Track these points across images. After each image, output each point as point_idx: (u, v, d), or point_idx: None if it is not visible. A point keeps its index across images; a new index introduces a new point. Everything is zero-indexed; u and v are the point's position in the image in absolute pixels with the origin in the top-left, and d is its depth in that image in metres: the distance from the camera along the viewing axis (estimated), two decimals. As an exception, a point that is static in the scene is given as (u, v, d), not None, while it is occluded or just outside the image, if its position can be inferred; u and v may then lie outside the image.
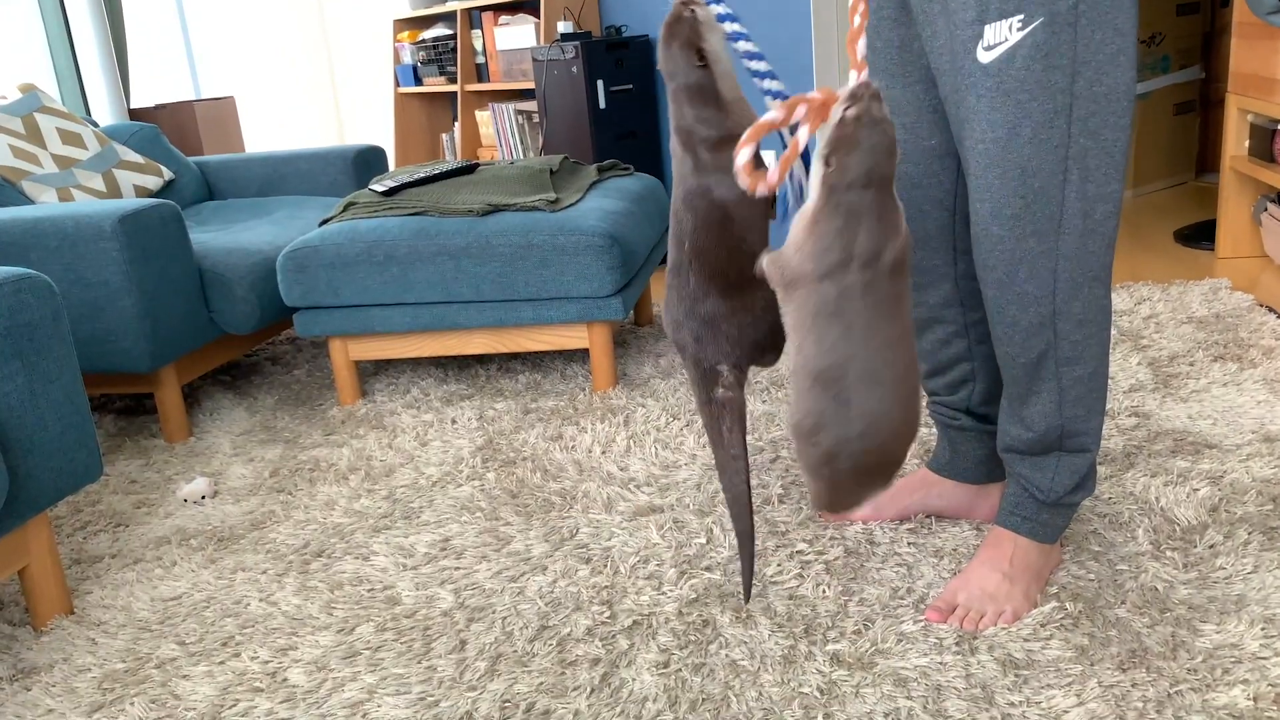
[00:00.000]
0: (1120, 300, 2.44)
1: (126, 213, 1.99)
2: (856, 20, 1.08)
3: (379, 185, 2.34)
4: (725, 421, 1.26)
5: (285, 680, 1.27)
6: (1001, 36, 1.07)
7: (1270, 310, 2.27)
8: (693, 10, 1.15)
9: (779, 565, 1.42)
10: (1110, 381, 1.95)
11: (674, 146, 1.23)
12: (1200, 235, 3.01)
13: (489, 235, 2.09)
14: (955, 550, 1.41)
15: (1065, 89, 1.07)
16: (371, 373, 2.47)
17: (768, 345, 1.26)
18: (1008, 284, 1.16)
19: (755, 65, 1.15)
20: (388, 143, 4.42)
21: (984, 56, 1.08)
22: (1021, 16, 1.05)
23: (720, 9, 1.16)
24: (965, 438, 1.44)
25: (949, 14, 1.11)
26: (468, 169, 2.41)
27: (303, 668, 1.29)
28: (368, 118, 4.94)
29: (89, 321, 2.02)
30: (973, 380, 1.40)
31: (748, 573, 1.33)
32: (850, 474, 1.11)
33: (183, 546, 1.67)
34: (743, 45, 1.15)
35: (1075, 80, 1.07)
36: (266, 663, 1.32)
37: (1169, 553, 1.34)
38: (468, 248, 2.09)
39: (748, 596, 1.33)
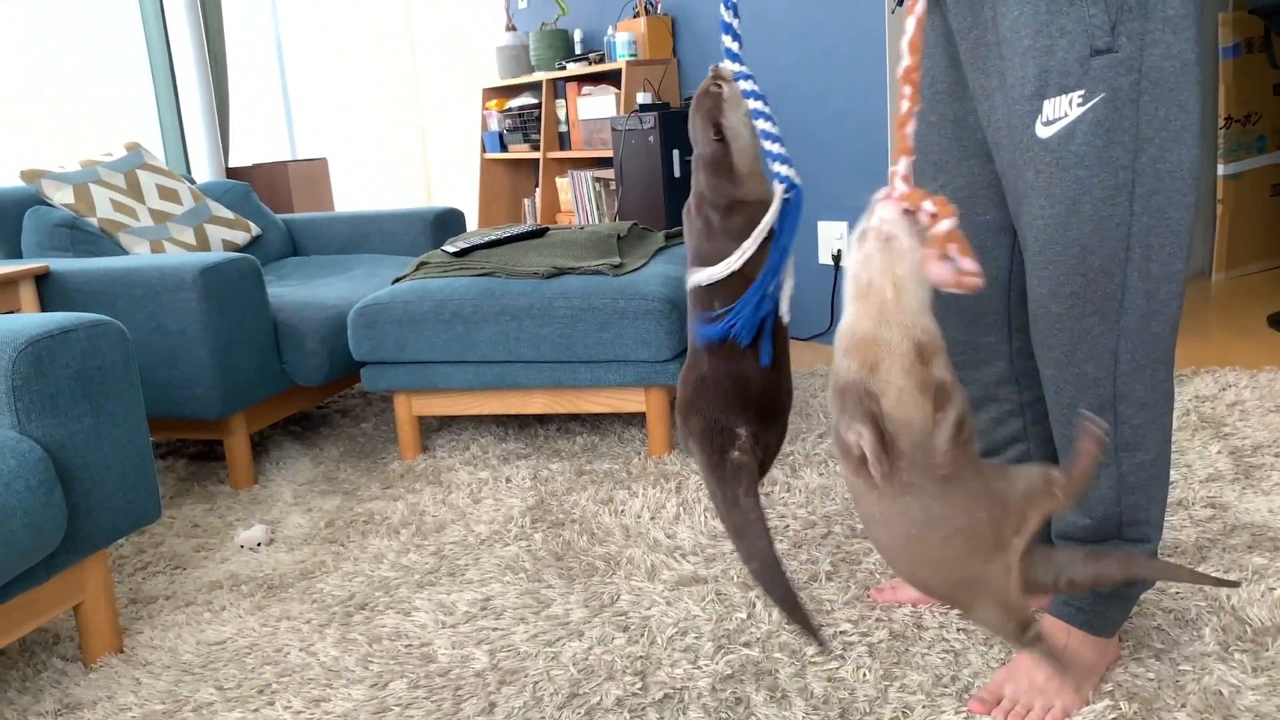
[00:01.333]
0: (1204, 386, 2.34)
1: (207, 265, 2.07)
2: (904, 105, 1.06)
3: (451, 246, 2.40)
4: (741, 485, 1.21)
5: (314, 732, 1.28)
6: (1061, 112, 1.05)
7: (1367, 401, 2.15)
8: (720, 86, 1.19)
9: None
10: (1188, 470, 1.86)
11: (689, 211, 1.25)
12: (1296, 320, 2.88)
13: (551, 297, 2.11)
14: (1005, 640, 1.35)
15: (1128, 165, 1.04)
16: (435, 429, 2.50)
17: (775, 410, 1.24)
18: (1066, 364, 1.12)
19: (771, 146, 1.17)
20: (473, 206, 4.55)
21: (1043, 132, 1.06)
22: (1082, 92, 1.03)
23: (748, 85, 1.18)
24: (1020, 522, 1.38)
25: (1006, 89, 1.09)
26: (538, 233, 2.46)
27: (332, 720, 1.30)
28: (455, 181, 5.09)
29: (166, 368, 2.10)
30: (1029, 460, 1.35)
31: (807, 628, 1.24)
32: None
33: (234, 592, 1.70)
34: (763, 124, 1.17)
35: (1138, 157, 1.04)
36: (299, 713, 1.32)
37: (1237, 655, 1.26)
38: (530, 308, 2.12)
39: (819, 641, 1.19)
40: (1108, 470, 1.16)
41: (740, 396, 1.22)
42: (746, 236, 1.20)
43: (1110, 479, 1.16)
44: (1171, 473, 1.84)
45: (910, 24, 0.97)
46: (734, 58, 1.20)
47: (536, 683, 1.35)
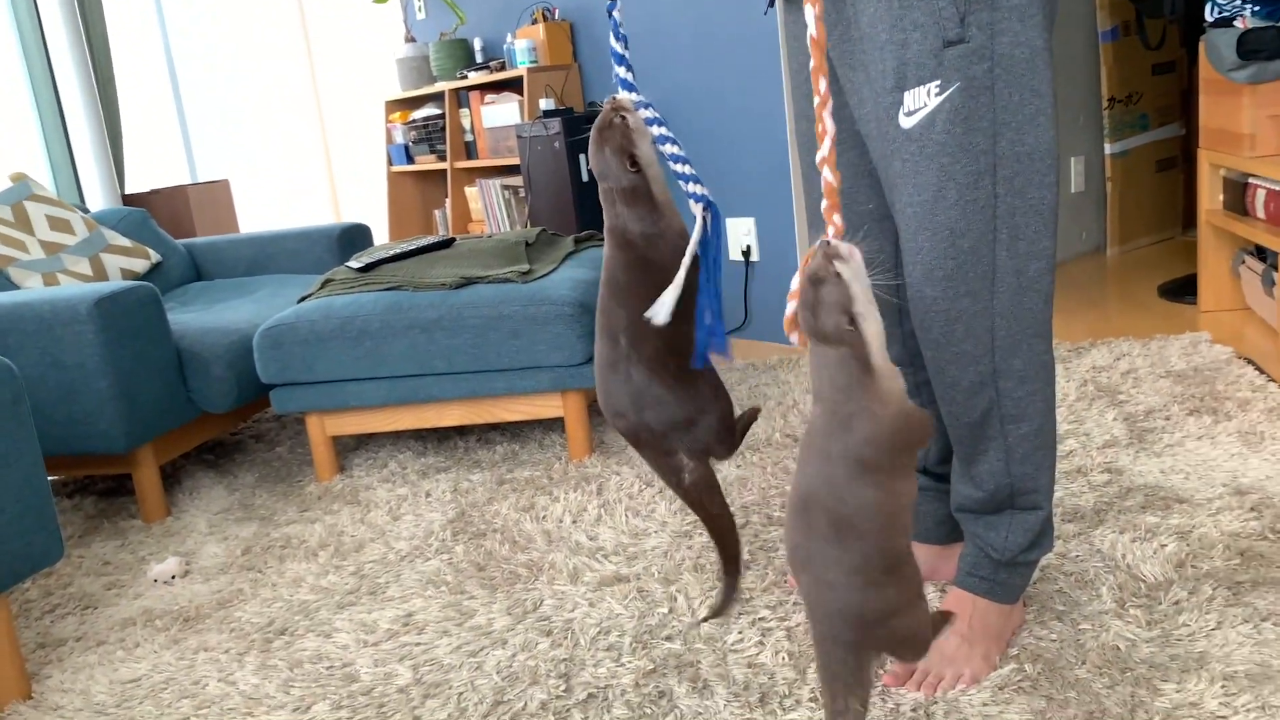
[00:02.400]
0: (1100, 356, 2.43)
1: (103, 295, 2.02)
2: (823, 85, 1.04)
3: (356, 262, 2.37)
4: (703, 494, 1.31)
5: (234, 763, 1.25)
6: (921, 102, 1.09)
7: (1249, 362, 2.26)
8: (623, 117, 1.19)
9: (740, 633, 1.40)
10: (1085, 438, 1.93)
11: (607, 245, 1.26)
12: (1184, 290, 3.02)
13: (460, 307, 2.11)
14: (918, 613, 1.39)
15: (987, 150, 1.09)
16: (353, 448, 2.47)
17: (718, 433, 1.29)
18: (945, 344, 1.16)
19: (680, 169, 1.19)
20: (382, 220, 4.49)
21: (905, 122, 1.10)
22: (939, 83, 1.08)
23: (649, 113, 1.20)
24: (924, 498, 1.43)
25: (871, 82, 1.13)
26: (444, 244, 2.45)
27: (253, 749, 1.28)
28: (362, 196, 5.03)
29: (65, 404, 2.03)
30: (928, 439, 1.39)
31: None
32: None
33: (147, 627, 1.66)
34: (669, 149, 1.19)
35: (997, 141, 1.09)
36: (218, 745, 1.30)
37: (1133, 610, 1.32)
38: (440, 320, 2.11)
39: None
40: (995, 443, 1.20)
41: (672, 405, 1.27)
42: (677, 261, 1.22)
43: (999, 452, 1.21)
44: (1070, 441, 1.92)
45: (810, 21, 0.97)
46: (629, 87, 1.21)
47: (461, 693, 1.34)
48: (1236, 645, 1.22)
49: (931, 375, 1.20)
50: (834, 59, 1.18)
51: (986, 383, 1.17)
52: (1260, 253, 2.59)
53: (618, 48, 1.21)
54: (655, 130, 1.19)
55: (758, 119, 2.95)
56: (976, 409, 1.18)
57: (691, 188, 1.19)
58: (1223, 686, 1.14)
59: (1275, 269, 2.43)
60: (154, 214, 3.77)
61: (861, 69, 1.13)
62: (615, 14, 1.24)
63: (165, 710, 1.40)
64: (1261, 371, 2.19)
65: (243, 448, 2.62)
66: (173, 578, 1.84)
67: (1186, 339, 2.48)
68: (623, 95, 1.21)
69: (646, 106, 1.20)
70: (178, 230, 3.77)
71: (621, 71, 1.20)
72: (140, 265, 2.81)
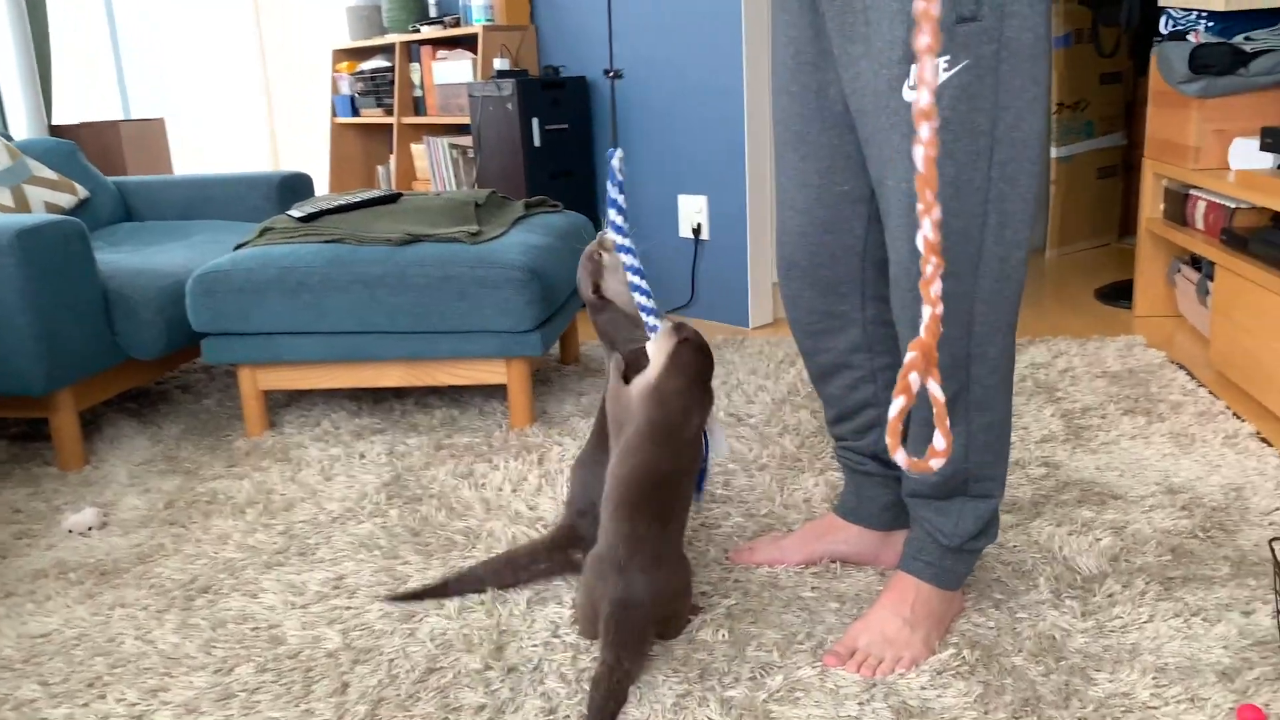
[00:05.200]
0: (1039, 354, 2.47)
1: (25, 228, 1.91)
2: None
3: (298, 211, 2.29)
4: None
5: (151, 723, 1.20)
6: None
7: (1180, 367, 2.32)
8: (599, 255, 1.45)
9: (680, 609, 1.38)
10: (1023, 431, 1.96)
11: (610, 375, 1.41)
12: (1119, 294, 3.08)
13: (406, 265, 2.05)
14: (858, 595, 1.39)
15: (987, 131, 1.07)
16: (284, 404, 2.40)
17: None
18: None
19: (642, 300, 1.38)
20: (323, 172, 4.36)
21: (909, 94, 1.08)
22: (948, 57, 1.06)
23: (626, 259, 1.40)
24: (871, 483, 1.43)
25: (873, 54, 1.11)
26: (390, 198, 2.38)
27: (171, 711, 1.22)
28: (303, 147, 4.88)
29: (-20, 340, 1.93)
30: (879, 426, 1.39)
31: None
32: None
33: (60, 580, 1.58)
34: (636, 282, 1.38)
35: (996, 124, 1.08)
36: (133, 705, 1.24)
37: (1068, 601, 1.34)
38: (384, 277, 2.04)
39: None
40: (957, 429, 1.20)
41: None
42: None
43: (960, 437, 1.21)
44: (1009, 434, 1.94)
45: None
46: (618, 229, 1.39)
47: (392, 659, 1.30)
48: (1167, 638, 1.24)
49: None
50: (832, 30, 1.16)
51: (959, 367, 1.16)
52: (1195, 263, 2.66)
53: (614, 193, 1.38)
54: (628, 264, 1.38)
55: (715, 95, 2.92)
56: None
57: (650, 320, 1.37)
58: (1154, 678, 1.16)
59: (1210, 279, 2.50)
60: (83, 148, 3.60)
61: (862, 41, 1.11)
62: (615, 162, 1.39)
63: (76, 668, 1.33)
64: (1192, 376, 2.24)
65: (168, 398, 2.52)
66: (89, 529, 1.76)
67: (1122, 341, 2.54)
68: (609, 235, 1.42)
69: (629, 252, 1.39)
70: (108, 168, 3.61)
71: (613, 214, 1.38)
72: (66, 200, 2.68)
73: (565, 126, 3.25)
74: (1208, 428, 1.93)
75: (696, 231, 3.07)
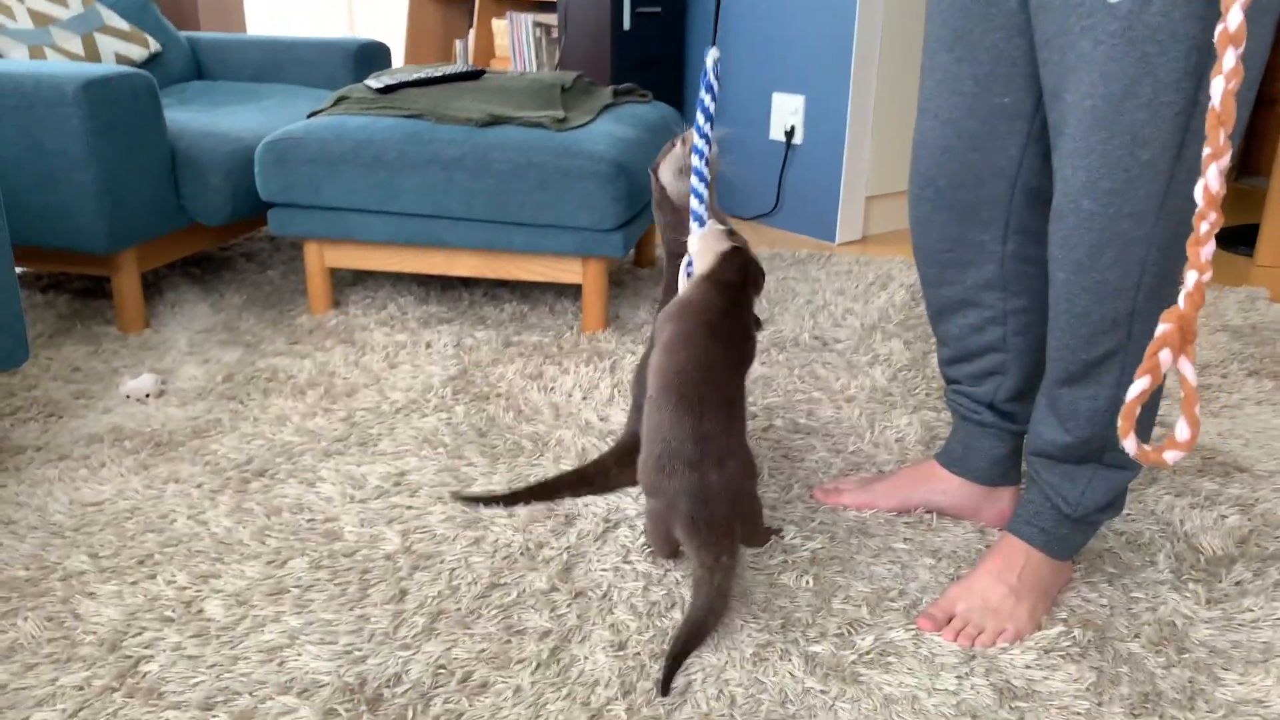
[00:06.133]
0: (1150, 299, 2.28)
1: (93, 78, 1.81)
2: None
3: (375, 81, 2.16)
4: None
5: (200, 612, 1.14)
6: None
7: (1309, 328, 2.13)
8: (673, 144, 1.45)
9: (761, 547, 1.29)
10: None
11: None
12: (1237, 239, 2.86)
13: (487, 148, 1.92)
14: (954, 553, 1.28)
15: (1202, 46, 0.90)
16: (350, 282, 2.31)
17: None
18: (1088, 269, 1.00)
19: (694, 204, 1.30)
20: (399, 42, 4.20)
21: None
22: None
23: (697, 157, 1.30)
24: (984, 434, 1.30)
25: None
26: (473, 75, 2.23)
27: (222, 600, 1.16)
28: (380, 15, 4.69)
29: (44, 193, 1.85)
30: (1003, 373, 1.25)
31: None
32: None
33: (115, 447, 1.53)
34: (696, 182, 1.30)
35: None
36: (183, 589, 1.18)
37: (1191, 585, 1.21)
38: (462, 159, 1.92)
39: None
40: (1106, 391, 1.06)
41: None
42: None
43: (1107, 401, 1.07)
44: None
45: None
46: (700, 132, 1.30)
47: (453, 569, 1.23)
48: (1305, 640, 1.12)
49: (1056, 303, 1.05)
50: None
51: (1121, 322, 1.02)
52: (1337, 214, 2.42)
53: (704, 96, 1.29)
54: (695, 162, 1.30)
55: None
56: (1100, 348, 1.04)
57: (694, 224, 1.30)
58: (1292, 685, 1.04)
59: (1354, 234, 2.27)
60: (158, 2, 3.48)
61: None
62: (709, 61, 1.27)
63: (127, 542, 1.28)
64: (1324, 341, 2.06)
65: (232, 266, 2.45)
66: (147, 396, 1.70)
67: (1243, 293, 2.34)
68: (691, 133, 1.35)
69: (699, 154, 1.30)
70: (180, 23, 3.49)
71: (700, 119, 1.29)
72: (138, 53, 2.57)
73: (658, 10, 3.05)
74: (1342, 400, 1.76)
75: (790, 134, 2.88)
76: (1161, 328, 0.82)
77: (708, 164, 1.30)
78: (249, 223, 2.30)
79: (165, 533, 1.30)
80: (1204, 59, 0.90)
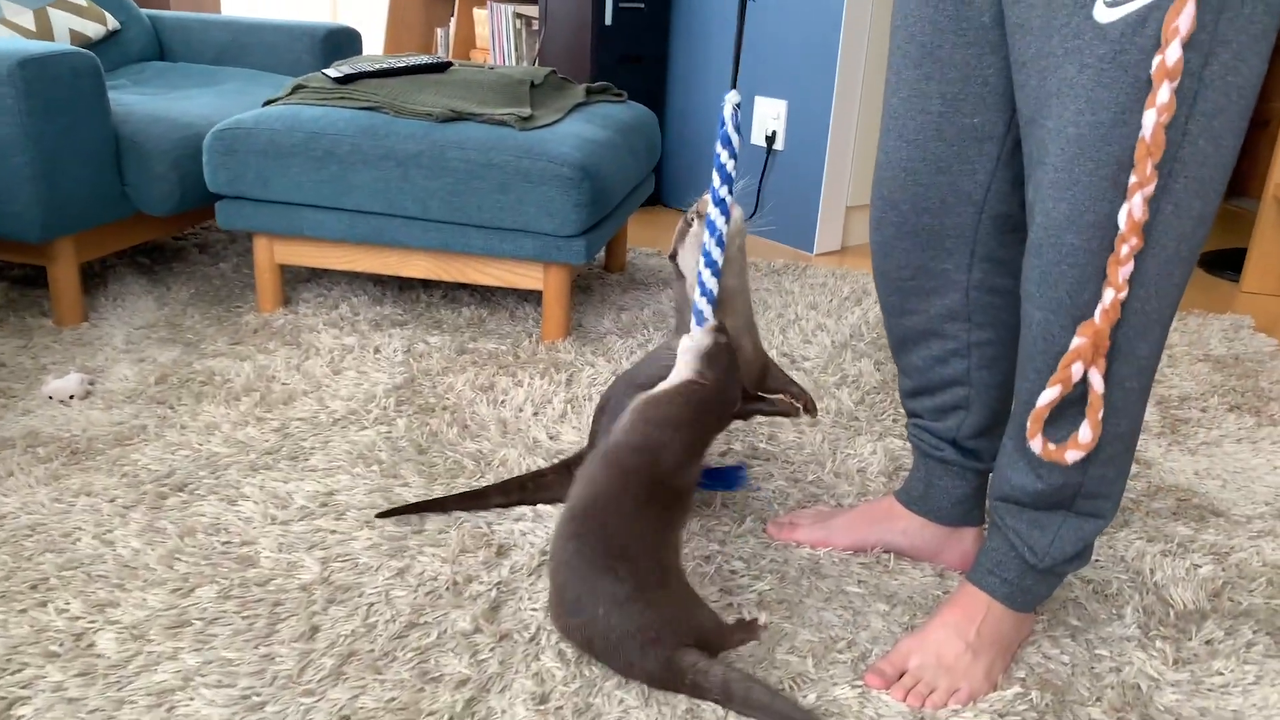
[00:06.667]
0: (1133, 323, 2.21)
1: (29, 56, 1.71)
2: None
3: (335, 71, 2.06)
4: None
5: (90, 646, 1.05)
6: None
7: (1294, 360, 2.06)
8: (692, 220, 1.29)
9: (704, 579, 1.20)
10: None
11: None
12: (1223, 263, 2.79)
13: (444, 145, 1.82)
14: (911, 599, 1.20)
15: (1195, 73, 0.82)
16: (304, 279, 2.22)
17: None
18: (1069, 306, 0.91)
19: (697, 297, 1.21)
20: (379, 30, 4.09)
21: (1104, 15, 0.83)
22: None
23: (710, 232, 1.21)
24: (946, 472, 1.22)
25: None
26: (439, 67, 2.14)
27: (116, 633, 1.07)
28: (362, 2, 4.58)
29: (-26, 175, 1.75)
30: (966, 408, 1.17)
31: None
32: None
33: (28, 454, 1.44)
34: (703, 267, 1.21)
35: (1208, 63, 0.82)
36: (75, 619, 1.09)
37: (1159, 642, 1.14)
38: (418, 156, 1.83)
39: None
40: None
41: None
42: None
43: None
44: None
45: None
46: (719, 204, 1.20)
47: (372, 604, 1.14)
48: (1278, 709, 1.04)
49: (1029, 341, 0.96)
50: None
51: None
52: (1327, 241, 2.36)
53: (720, 154, 1.20)
54: (708, 241, 1.21)
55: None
56: (1075, 391, 0.95)
57: (701, 301, 1.21)
58: (1262, 763, 0.97)
59: (1344, 263, 2.21)
60: (124, -25, 3.36)
61: None
62: (728, 109, 1.18)
63: (23, 564, 1.19)
64: (1309, 374, 1.99)
65: (184, 256, 2.35)
66: (71, 397, 1.61)
67: (1227, 321, 2.27)
68: (706, 201, 1.24)
69: (713, 232, 1.21)
70: (151, 2, 3.37)
71: (717, 181, 1.20)
72: (94, 30, 2.47)
73: (641, 6, 2.96)
74: (1326, 439, 1.69)
75: (770, 140, 2.80)
76: (1076, 341, 0.88)
77: (722, 243, 1.18)
78: (199, 213, 2.20)
79: (66, 553, 1.21)
80: (1198, 86, 0.82)
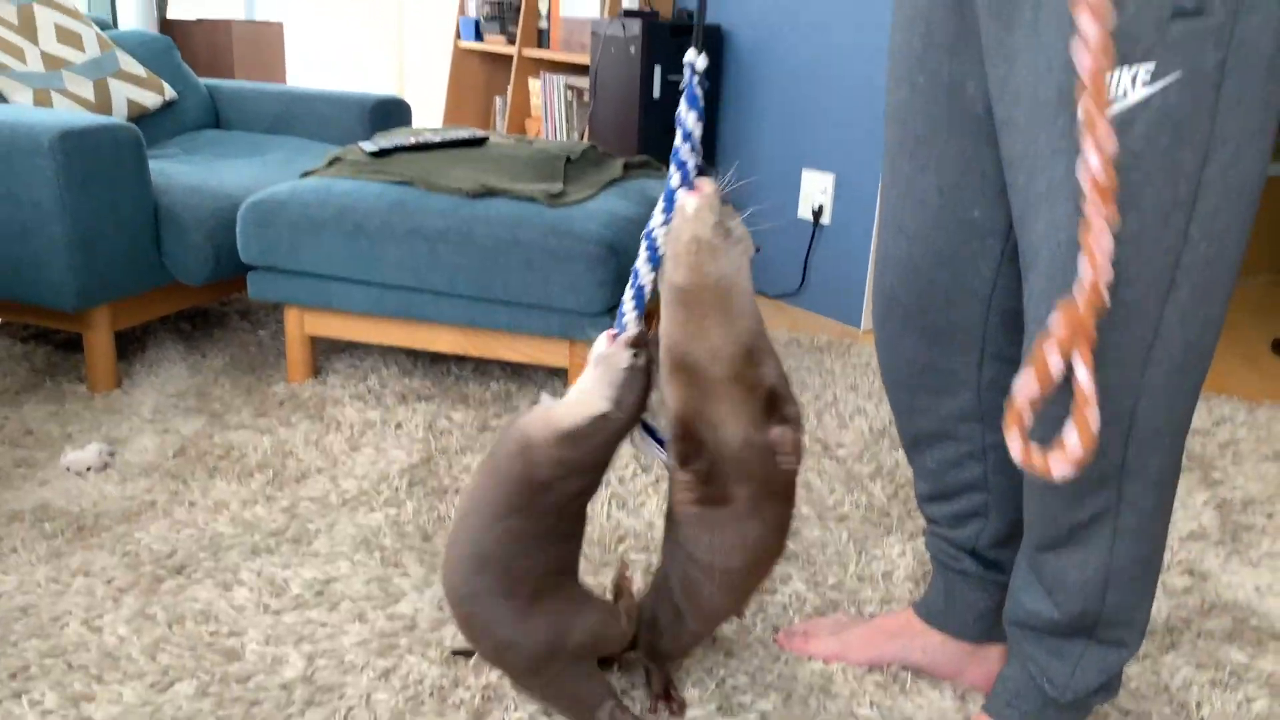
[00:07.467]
0: (1197, 416, 2.08)
1: (70, 129, 1.75)
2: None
3: (371, 144, 2.08)
4: None
5: (57, 744, 1.02)
6: (1121, 90, 0.75)
7: (1373, 459, 1.91)
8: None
9: (704, 694, 1.13)
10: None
11: None
12: (1300, 347, 2.64)
13: (472, 221, 1.81)
14: (928, 726, 1.11)
15: (1192, 174, 0.76)
16: (339, 349, 2.22)
17: None
18: None
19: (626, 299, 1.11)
20: (440, 98, 4.17)
21: None
22: (1153, 66, 0.74)
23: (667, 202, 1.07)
24: (967, 584, 1.13)
25: (1041, 49, 0.79)
26: (475, 141, 2.14)
27: (85, 730, 1.04)
28: (426, 69, 4.70)
29: (16, 244, 1.79)
30: (985, 515, 1.09)
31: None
32: None
33: (34, 529, 1.43)
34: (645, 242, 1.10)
35: (1207, 163, 0.76)
36: (47, 714, 1.06)
37: (1204, 793, 1.03)
38: (446, 232, 1.81)
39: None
40: (1097, 557, 0.90)
41: None
42: None
43: (1098, 570, 0.90)
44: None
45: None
46: (681, 167, 1.07)
47: (351, 709, 1.09)
48: None
49: None
50: (984, 10, 0.85)
51: (1109, 479, 0.86)
52: None
53: (683, 149, 1.06)
54: (657, 224, 1.08)
55: (859, 56, 2.57)
56: (1085, 511, 0.88)
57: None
58: None
59: None
60: (193, 47, 3.49)
61: (1027, 29, 0.80)
62: (696, 63, 1.04)
63: (8, 649, 1.16)
64: (1390, 477, 1.84)
65: (224, 322, 2.38)
66: (88, 469, 1.61)
67: (1301, 414, 2.13)
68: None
69: (669, 200, 1.07)
70: (216, 69, 3.49)
71: (679, 142, 1.06)
72: (152, 100, 2.54)
73: (689, 79, 2.95)
74: (1407, 553, 1.55)
75: (818, 214, 2.75)
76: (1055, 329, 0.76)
77: (663, 237, 1.05)
78: (235, 282, 2.22)
79: (51, 639, 1.18)
80: (1196, 189, 0.76)
